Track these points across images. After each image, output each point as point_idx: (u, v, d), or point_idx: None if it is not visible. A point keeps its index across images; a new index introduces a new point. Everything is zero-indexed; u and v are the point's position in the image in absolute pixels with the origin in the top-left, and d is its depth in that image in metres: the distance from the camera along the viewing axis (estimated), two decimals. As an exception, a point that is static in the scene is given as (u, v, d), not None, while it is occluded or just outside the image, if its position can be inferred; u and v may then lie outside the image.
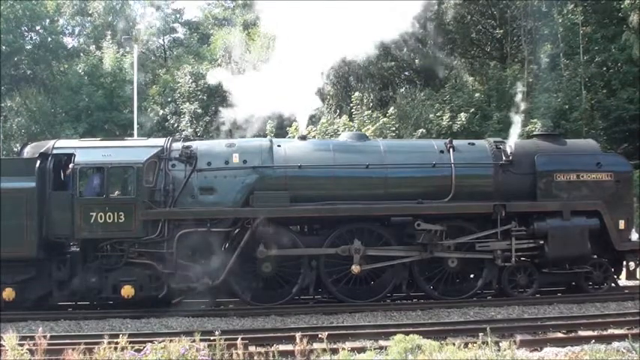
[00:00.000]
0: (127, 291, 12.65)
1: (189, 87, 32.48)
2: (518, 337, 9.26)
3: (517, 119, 15.35)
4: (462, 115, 24.71)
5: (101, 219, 12.64)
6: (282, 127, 25.75)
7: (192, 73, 32.57)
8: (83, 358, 8.02)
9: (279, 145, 13.69)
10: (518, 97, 17.23)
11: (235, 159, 13.24)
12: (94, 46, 37.56)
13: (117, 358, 7.94)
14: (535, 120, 23.45)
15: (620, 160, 14.66)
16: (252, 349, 8.95)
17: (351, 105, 25.58)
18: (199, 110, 31.62)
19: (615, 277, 14.56)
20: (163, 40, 45.71)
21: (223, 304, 13.84)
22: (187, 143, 13.83)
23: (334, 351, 8.81)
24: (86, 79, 33.38)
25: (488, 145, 14.22)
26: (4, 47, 34.04)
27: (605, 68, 28.47)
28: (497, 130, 23.22)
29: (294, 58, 13.89)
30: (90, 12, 41.22)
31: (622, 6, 26.59)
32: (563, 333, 10.59)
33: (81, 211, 12.65)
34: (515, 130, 14.86)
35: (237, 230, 13.18)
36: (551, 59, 27.95)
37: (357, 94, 26.02)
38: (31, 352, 8.21)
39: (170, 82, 34.84)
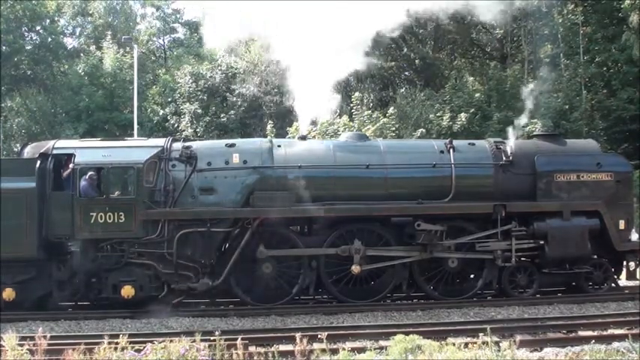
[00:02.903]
0: (127, 291, 12.65)
1: (190, 87, 32.48)
2: (518, 337, 9.25)
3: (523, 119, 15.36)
4: (462, 116, 24.74)
5: (101, 219, 12.64)
6: (282, 127, 25.78)
7: (193, 73, 32.56)
8: (83, 358, 8.02)
9: (279, 146, 13.70)
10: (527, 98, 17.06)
11: (235, 159, 13.24)
12: (94, 46, 37.57)
13: (117, 358, 7.93)
14: (535, 120, 23.46)
15: (620, 161, 14.67)
16: (252, 349, 8.93)
17: (351, 105, 25.61)
18: (199, 110, 31.63)
19: (615, 277, 14.56)
20: (163, 40, 45.73)
21: (223, 304, 13.84)
22: (187, 143, 13.84)
23: (334, 351, 8.81)
24: (86, 79, 33.38)
25: (489, 145, 14.22)
26: (4, 47, 34.04)
27: (605, 68, 28.49)
28: (498, 131, 23.24)
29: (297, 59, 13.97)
30: (90, 12, 41.23)
31: (622, 6, 26.60)
32: (563, 333, 10.58)
33: (81, 211, 12.65)
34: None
35: (237, 230, 13.18)
36: (552, 59, 27.97)
37: (357, 94, 26.03)
38: (31, 352, 8.21)
39: (170, 83, 34.85)
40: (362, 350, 9.05)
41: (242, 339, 8.37)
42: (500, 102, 27.10)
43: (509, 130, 14.67)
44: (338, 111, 25.08)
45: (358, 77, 28.03)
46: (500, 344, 8.35)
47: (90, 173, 12.77)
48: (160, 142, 13.75)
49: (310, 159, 13.44)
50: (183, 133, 30.42)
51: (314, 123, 21.68)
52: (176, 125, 32.18)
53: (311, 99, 14.37)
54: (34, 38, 38.22)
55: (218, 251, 13.10)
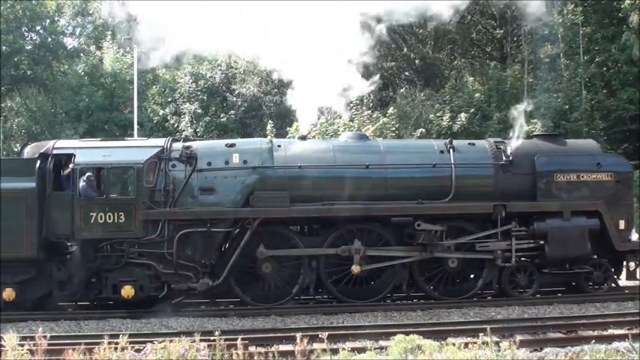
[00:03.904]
0: (127, 291, 12.65)
1: (190, 87, 32.49)
2: (518, 337, 9.26)
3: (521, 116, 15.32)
4: (462, 116, 24.75)
5: (101, 219, 12.64)
6: (282, 127, 25.78)
7: (193, 73, 32.57)
8: (83, 358, 8.02)
9: (279, 146, 13.69)
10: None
11: (235, 159, 13.24)
12: (94, 46, 37.56)
13: (117, 358, 7.94)
14: (535, 120, 23.47)
15: (620, 161, 14.67)
16: (252, 349, 8.94)
17: (351, 105, 25.61)
18: (199, 110, 31.64)
19: (615, 277, 14.55)
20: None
21: (223, 304, 13.84)
22: (187, 143, 13.84)
23: (334, 351, 8.81)
24: (86, 79, 33.36)
25: (489, 145, 14.22)
26: (4, 47, 34.04)
27: (605, 68, 28.47)
28: (498, 130, 23.25)
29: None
30: (90, 12, 41.21)
31: (622, 6, 26.59)
32: (563, 333, 10.58)
33: (81, 212, 12.65)
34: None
35: (237, 230, 13.19)
36: (552, 59, 27.97)
37: (357, 94, 26.00)
38: (32, 352, 8.20)
39: (170, 83, 34.84)
40: (362, 350, 9.05)
41: (242, 339, 8.36)
42: (500, 102, 27.09)
43: (515, 129, 14.64)
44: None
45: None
46: (500, 344, 8.35)
47: (88, 174, 12.75)
48: (160, 142, 13.75)
49: (310, 159, 13.43)
50: (184, 133, 30.42)
51: (314, 123, 21.68)
52: (176, 125, 32.19)
53: (315, 91, 14.35)
54: (34, 38, 38.24)
55: (218, 251, 13.10)
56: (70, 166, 13.01)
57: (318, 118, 22.25)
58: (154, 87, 36.09)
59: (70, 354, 8.01)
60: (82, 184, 12.70)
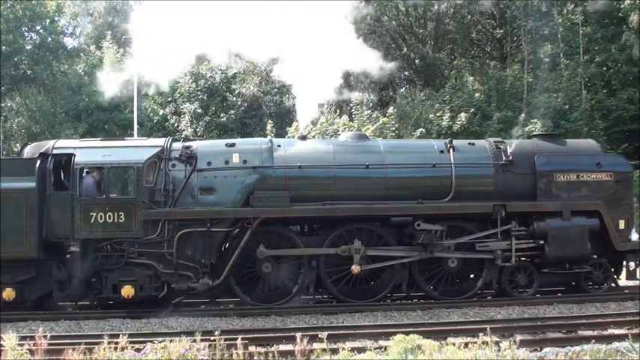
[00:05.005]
0: (127, 291, 12.64)
1: (190, 87, 32.50)
2: (518, 337, 9.24)
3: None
4: (462, 115, 24.77)
5: (101, 219, 12.63)
6: (282, 127, 25.79)
7: (193, 73, 32.57)
8: (83, 358, 8.02)
9: (279, 145, 13.69)
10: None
11: (235, 159, 13.24)
12: (94, 46, 37.56)
13: (117, 358, 7.94)
14: (535, 120, 23.48)
15: (620, 160, 14.67)
16: (252, 349, 8.94)
17: (351, 105, 25.63)
18: (199, 110, 31.64)
19: (615, 277, 14.56)
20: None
21: (223, 304, 13.84)
22: (187, 143, 13.83)
23: (334, 351, 8.80)
24: (86, 79, 33.36)
25: (489, 145, 14.22)
26: (4, 47, 34.04)
27: (605, 68, 28.50)
28: (497, 130, 23.27)
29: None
30: (90, 12, 41.23)
31: (622, 6, 26.61)
32: (563, 333, 10.58)
33: (81, 211, 12.65)
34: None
35: (237, 230, 13.19)
36: (552, 59, 27.99)
37: (357, 94, 26.04)
38: (31, 352, 8.21)
39: (170, 82, 34.83)
40: (362, 350, 9.04)
41: (242, 339, 8.37)
42: (500, 102, 27.13)
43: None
44: (338, 110, 25.08)
45: (358, 77, 28.03)
46: (500, 344, 8.34)
47: (95, 172, 12.81)
48: (160, 141, 13.75)
49: (310, 159, 13.43)
50: (183, 132, 30.42)
51: (314, 123, 21.70)
52: (176, 125, 32.19)
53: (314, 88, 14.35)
54: (34, 38, 38.23)
55: (218, 251, 13.10)
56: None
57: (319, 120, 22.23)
58: (154, 86, 36.07)
59: (70, 354, 8.01)
60: (88, 180, 12.74)
